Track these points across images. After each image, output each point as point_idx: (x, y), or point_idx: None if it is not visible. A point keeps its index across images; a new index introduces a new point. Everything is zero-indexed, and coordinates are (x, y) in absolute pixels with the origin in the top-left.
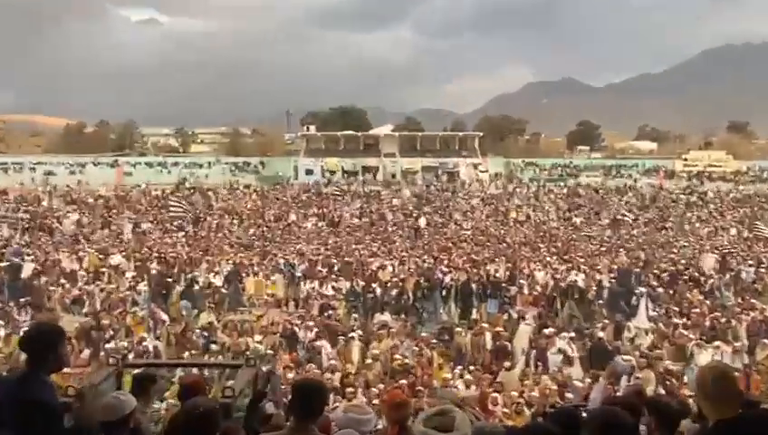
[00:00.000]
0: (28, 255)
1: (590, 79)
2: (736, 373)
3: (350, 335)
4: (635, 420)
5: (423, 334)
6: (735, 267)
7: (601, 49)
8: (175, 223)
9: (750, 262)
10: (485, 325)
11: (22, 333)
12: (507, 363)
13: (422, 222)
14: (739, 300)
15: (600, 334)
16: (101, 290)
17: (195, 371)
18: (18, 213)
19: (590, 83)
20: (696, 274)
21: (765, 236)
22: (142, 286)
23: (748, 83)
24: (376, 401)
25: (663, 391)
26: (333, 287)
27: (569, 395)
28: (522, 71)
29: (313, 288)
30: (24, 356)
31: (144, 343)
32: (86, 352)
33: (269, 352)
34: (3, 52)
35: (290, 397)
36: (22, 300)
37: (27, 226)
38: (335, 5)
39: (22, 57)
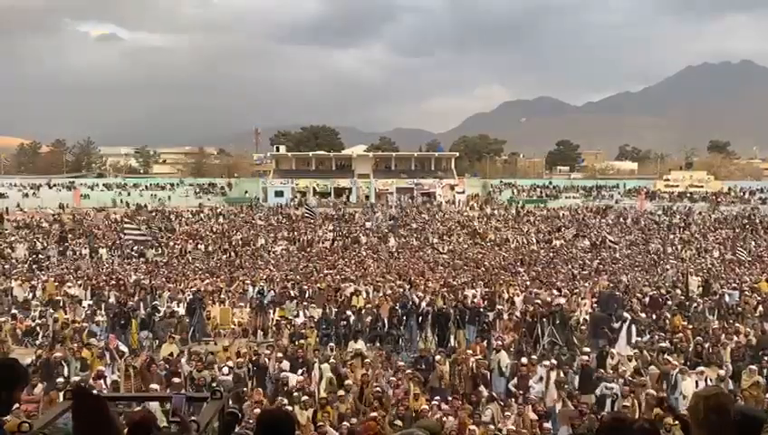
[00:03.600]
0: None
1: (568, 98)
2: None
3: (320, 366)
4: None
5: (399, 363)
6: (719, 290)
7: (579, 67)
8: (134, 248)
9: (734, 285)
10: (469, 352)
11: None
12: (487, 393)
13: (391, 242)
14: (725, 324)
15: (585, 358)
16: (55, 320)
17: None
18: None
19: (569, 102)
20: (682, 297)
21: (746, 259)
22: (100, 316)
23: (728, 102)
24: None
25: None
26: (305, 314)
27: (546, 425)
28: (498, 89)
29: (283, 316)
30: None
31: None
32: (39, 387)
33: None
34: None
35: (254, 429)
36: None
37: None
38: (305, 21)
39: None
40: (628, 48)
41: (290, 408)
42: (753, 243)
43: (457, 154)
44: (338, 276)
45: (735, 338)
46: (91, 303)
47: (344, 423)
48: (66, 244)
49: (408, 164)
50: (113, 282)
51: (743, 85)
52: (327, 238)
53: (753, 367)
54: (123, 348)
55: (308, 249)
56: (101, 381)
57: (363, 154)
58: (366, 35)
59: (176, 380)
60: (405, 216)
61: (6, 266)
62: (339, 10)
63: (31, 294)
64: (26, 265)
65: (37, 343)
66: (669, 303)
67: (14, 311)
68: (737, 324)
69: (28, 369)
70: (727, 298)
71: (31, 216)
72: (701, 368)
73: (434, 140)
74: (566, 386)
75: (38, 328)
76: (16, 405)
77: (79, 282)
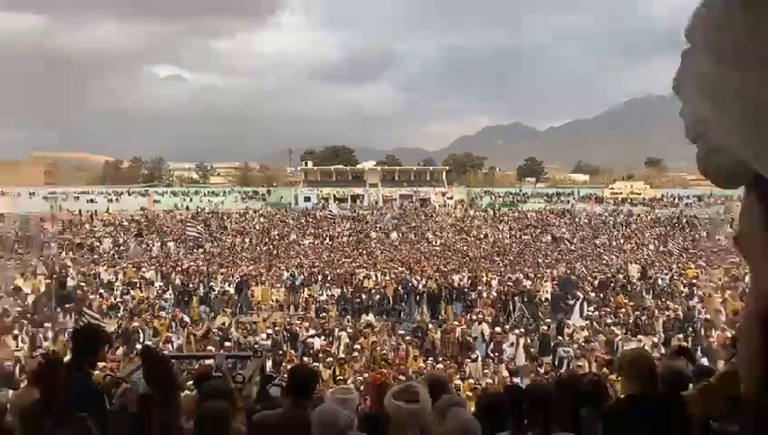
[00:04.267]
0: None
1: (534, 123)
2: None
3: (338, 333)
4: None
5: (401, 332)
6: (653, 275)
7: (543, 98)
8: (191, 242)
9: (665, 271)
10: (456, 323)
11: (73, 330)
12: (471, 355)
13: (393, 236)
14: (658, 302)
15: (545, 328)
16: (133, 298)
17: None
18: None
19: (535, 127)
20: (624, 280)
21: (676, 251)
22: (168, 294)
23: (658, 129)
24: (361, 387)
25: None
26: (327, 294)
27: (516, 380)
28: (480, 116)
29: (311, 295)
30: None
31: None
32: (120, 350)
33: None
34: (50, 99)
35: (287, 380)
36: (67, 306)
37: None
38: (329, 64)
39: (66, 104)
40: (580, 83)
41: (315, 365)
42: (680, 238)
43: (447, 168)
44: (353, 264)
45: (666, 313)
46: (161, 284)
47: (358, 377)
48: (141, 238)
49: (408, 176)
50: (178, 268)
51: (670, 114)
52: (344, 234)
53: (680, 335)
54: (186, 319)
55: (330, 243)
56: (169, 345)
57: (373, 168)
58: (374, 75)
59: (227, 344)
60: (406, 216)
61: (95, 256)
62: (353, 56)
63: (114, 278)
64: (111, 255)
65: (119, 315)
66: (614, 285)
67: (101, 290)
68: (668, 302)
69: (110, 334)
70: (660, 281)
71: (114, 217)
72: (639, 336)
73: (429, 157)
74: (532, 350)
75: (120, 304)
76: (103, 364)
77: (152, 268)
